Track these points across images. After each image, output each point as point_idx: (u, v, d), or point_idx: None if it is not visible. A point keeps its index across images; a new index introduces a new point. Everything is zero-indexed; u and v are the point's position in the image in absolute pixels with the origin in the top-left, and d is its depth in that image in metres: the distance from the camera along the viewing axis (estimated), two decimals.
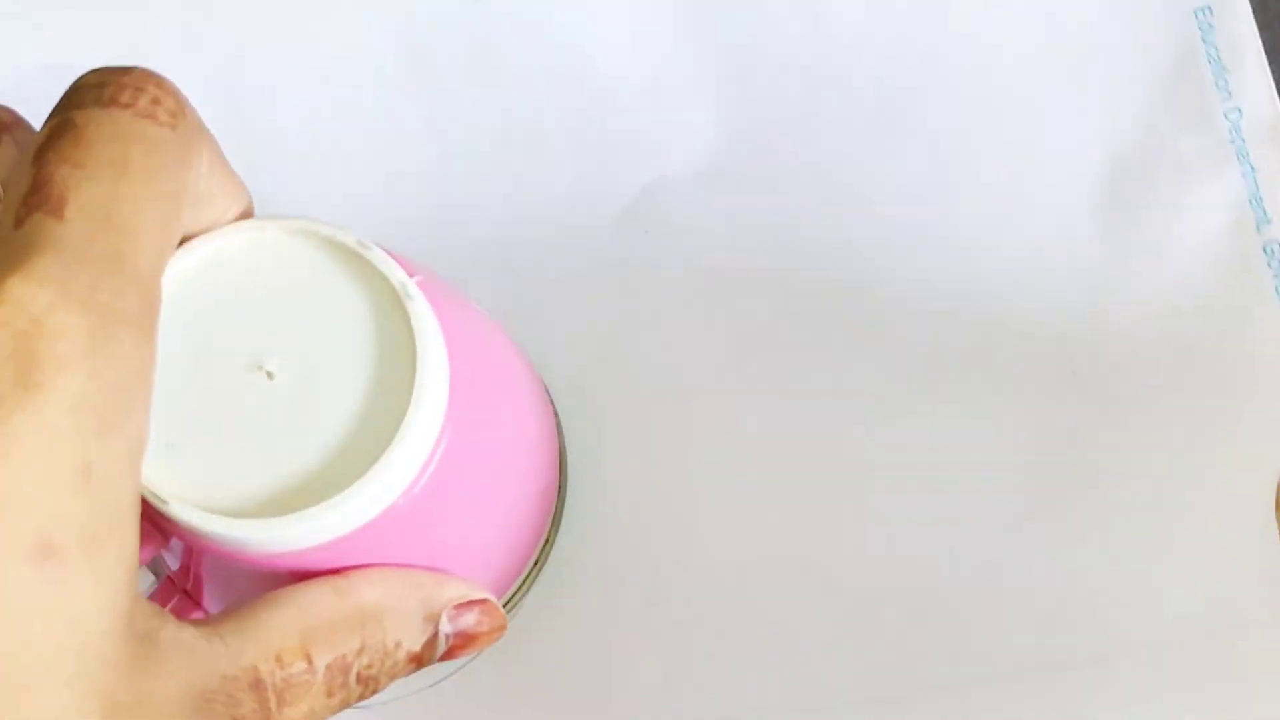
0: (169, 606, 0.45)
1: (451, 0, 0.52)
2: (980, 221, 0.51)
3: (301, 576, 0.39)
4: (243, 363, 0.39)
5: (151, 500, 0.38)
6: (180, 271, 0.39)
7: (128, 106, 0.35)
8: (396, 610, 0.39)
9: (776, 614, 0.50)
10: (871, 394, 0.51)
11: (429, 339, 0.39)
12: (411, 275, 0.39)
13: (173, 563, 0.42)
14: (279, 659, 0.37)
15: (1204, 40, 0.51)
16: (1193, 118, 0.51)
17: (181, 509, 0.38)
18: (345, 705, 0.39)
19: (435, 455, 0.39)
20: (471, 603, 0.41)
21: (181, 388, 0.39)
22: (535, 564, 0.48)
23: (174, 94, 0.36)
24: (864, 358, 0.51)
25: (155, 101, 0.35)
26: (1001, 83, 0.52)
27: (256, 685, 0.37)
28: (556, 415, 0.50)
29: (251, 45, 0.53)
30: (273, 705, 0.37)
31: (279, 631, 0.37)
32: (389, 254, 0.40)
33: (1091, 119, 0.51)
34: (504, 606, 0.48)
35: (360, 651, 0.38)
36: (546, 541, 0.48)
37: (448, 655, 0.41)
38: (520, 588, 0.48)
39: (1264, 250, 0.50)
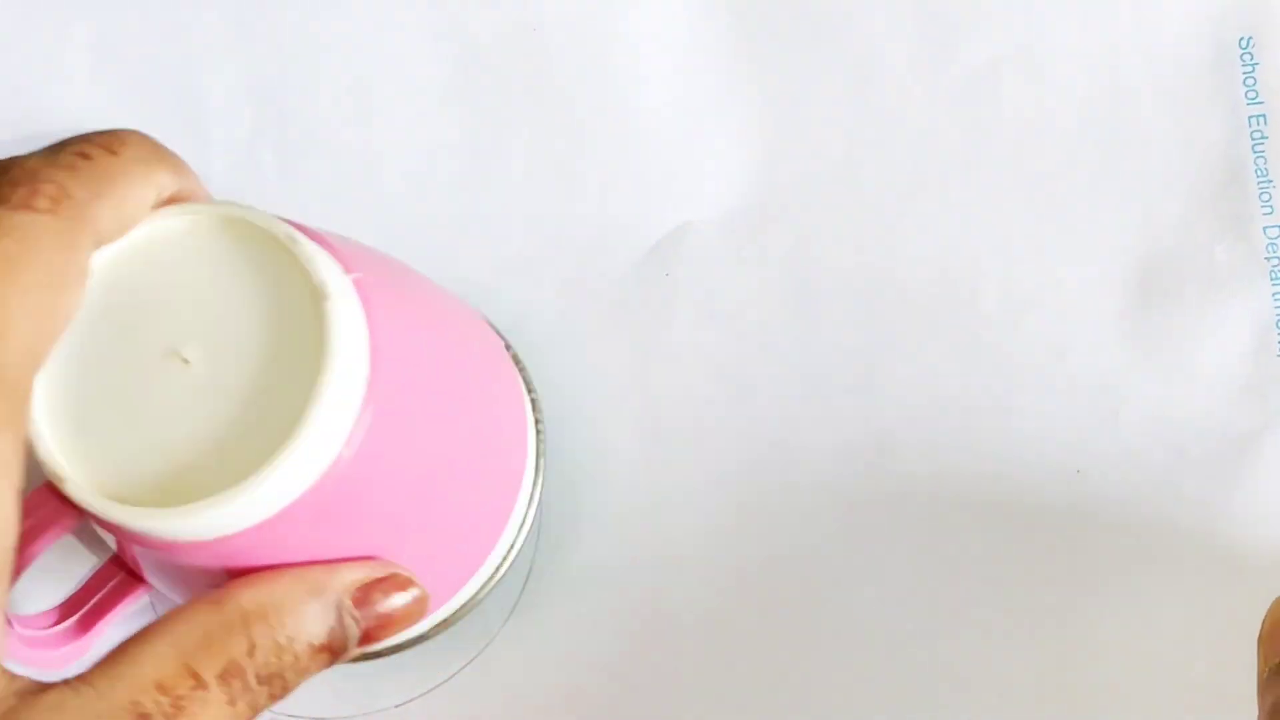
0: (114, 582, 0.45)
1: (509, 26, 0.52)
2: (1004, 305, 0.51)
3: (207, 564, 0.39)
4: (161, 348, 0.39)
5: (53, 480, 0.38)
6: (110, 254, 0.39)
7: (3, 202, 0.36)
8: (281, 605, 0.39)
9: (752, 659, 0.50)
10: (870, 455, 0.50)
11: (343, 337, 0.38)
12: (349, 271, 0.39)
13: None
14: (160, 687, 0.37)
15: (1254, 149, 0.51)
16: (1230, 227, 0.50)
17: (80, 491, 0.38)
18: (256, 709, 0.38)
19: (342, 454, 0.38)
20: (375, 582, 0.41)
21: (97, 369, 0.39)
22: (497, 570, 0.48)
23: (55, 179, 0.36)
24: (865, 419, 0.50)
25: (34, 192, 0.36)
26: (1044, 168, 0.51)
27: (142, 718, 0.36)
28: (540, 427, 0.49)
29: (295, 55, 0.52)
30: None
31: (154, 662, 0.37)
32: (330, 244, 0.39)
33: (1131, 215, 0.51)
34: (462, 607, 0.47)
35: (250, 652, 0.38)
36: (512, 547, 0.48)
37: (368, 639, 0.41)
38: (481, 590, 0.47)
39: None
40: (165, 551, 0.39)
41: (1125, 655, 0.49)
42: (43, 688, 0.36)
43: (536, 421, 0.49)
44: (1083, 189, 0.51)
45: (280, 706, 0.50)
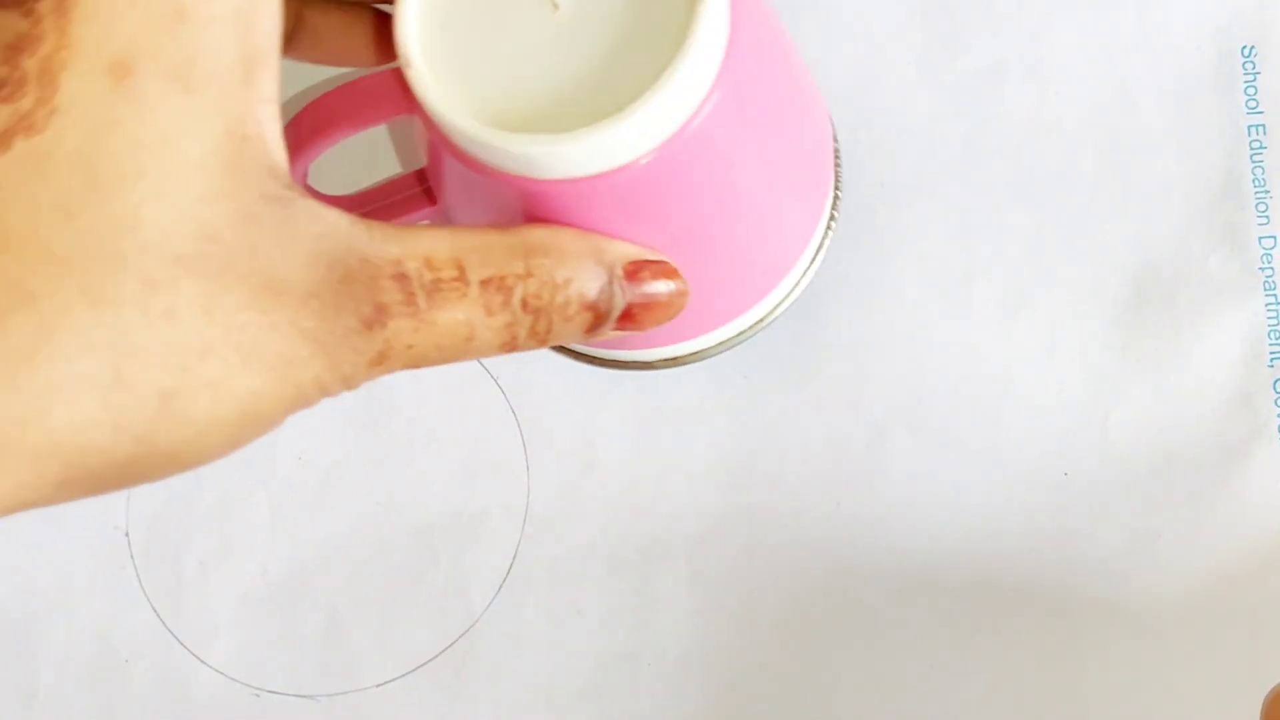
0: (406, 195, 0.46)
1: None
2: (998, 306, 0.51)
3: (531, 207, 0.40)
4: None
5: (424, 95, 0.39)
6: None
7: None
8: (562, 248, 0.40)
9: (736, 649, 0.50)
10: (859, 449, 0.50)
11: (710, 27, 0.39)
12: None
13: (423, 158, 0.44)
14: (428, 262, 0.38)
15: (1252, 159, 0.51)
16: (1225, 237, 0.50)
17: (442, 103, 0.39)
18: (514, 336, 0.39)
19: (688, 123, 0.40)
20: (646, 263, 0.41)
21: (467, 8, 0.40)
22: (783, 300, 0.48)
23: None
24: (856, 413, 0.51)
25: None
26: (1043, 170, 0.51)
27: (401, 279, 0.37)
28: (839, 162, 0.49)
29: None
30: (421, 303, 0.37)
31: (429, 239, 0.38)
32: None
33: (1128, 220, 0.51)
34: (749, 328, 0.48)
35: (524, 276, 0.39)
36: (798, 283, 0.49)
37: (628, 318, 0.41)
38: (766, 317, 0.48)
39: (1273, 386, 0.50)
40: (495, 181, 0.40)
41: (1110, 658, 0.49)
42: (321, 201, 0.37)
43: (836, 154, 0.49)
44: (1081, 193, 0.51)
45: (262, 683, 0.50)
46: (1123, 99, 0.51)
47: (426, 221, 0.46)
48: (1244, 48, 0.51)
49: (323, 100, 0.43)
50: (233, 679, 0.50)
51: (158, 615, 0.51)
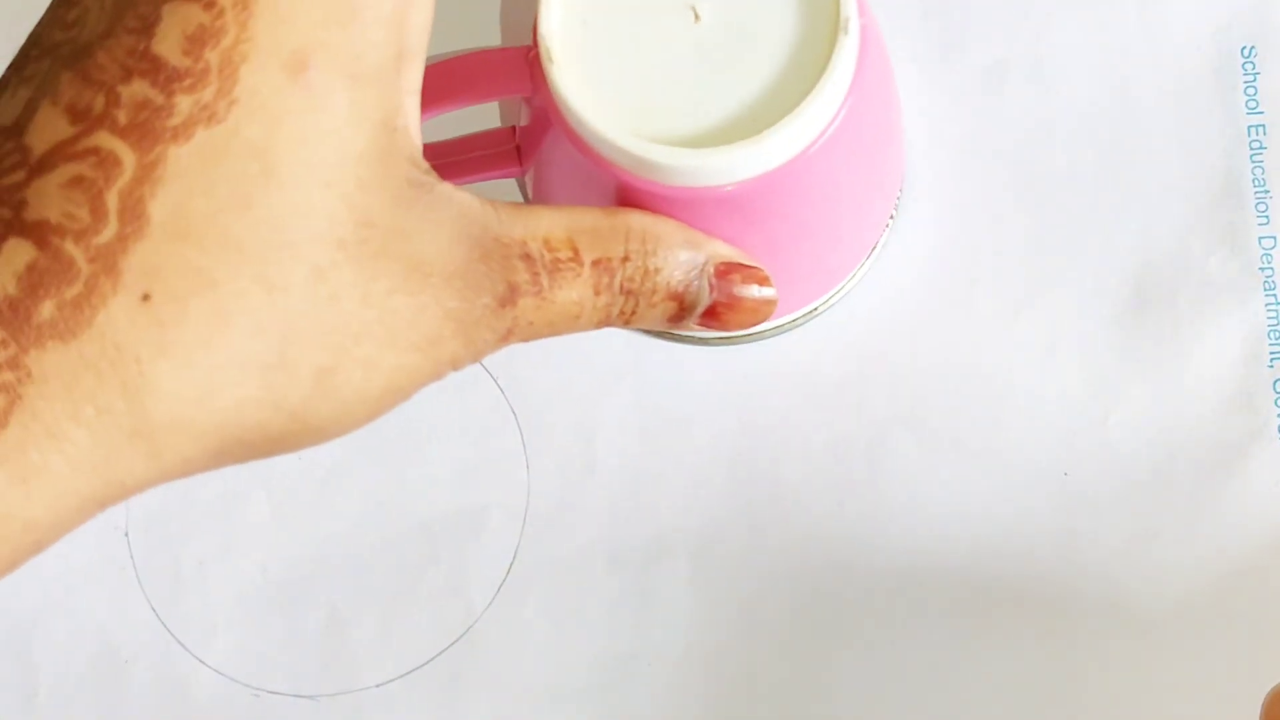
0: (498, 151, 0.48)
1: None
2: (998, 306, 0.51)
3: (637, 201, 0.42)
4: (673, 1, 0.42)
5: (563, 93, 0.41)
6: None
7: None
8: (659, 236, 0.42)
9: (736, 648, 0.50)
10: (861, 449, 0.50)
11: (843, 65, 0.41)
12: (862, 16, 0.42)
13: (524, 118, 0.46)
14: (547, 243, 0.40)
15: (1252, 159, 0.51)
16: (1225, 237, 0.50)
17: (580, 102, 0.41)
18: (610, 315, 0.41)
19: (816, 142, 0.42)
20: (739, 265, 0.43)
21: (607, 8, 0.42)
22: (839, 290, 0.50)
23: None
24: (857, 413, 0.51)
25: None
26: (1043, 170, 0.51)
27: (527, 258, 0.39)
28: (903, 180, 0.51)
29: None
30: (544, 282, 0.40)
31: (547, 221, 0.40)
32: None
33: (1128, 220, 0.51)
34: (803, 315, 0.49)
35: (625, 259, 0.41)
36: (854, 275, 0.50)
37: (713, 315, 0.43)
38: (820, 305, 0.50)
39: (1273, 387, 0.50)
40: (609, 174, 0.42)
41: (1110, 658, 0.49)
42: (454, 186, 0.39)
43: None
44: (1081, 193, 0.51)
45: (262, 683, 0.50)
46: (1123, 99, 0.51)
47: (514, 181, 0.48)
48: (1244, 48, 0.51)
49: (441, 67, 0.44)
50: (232, 679, 0.50)
51: (157, 615, 0.51)
